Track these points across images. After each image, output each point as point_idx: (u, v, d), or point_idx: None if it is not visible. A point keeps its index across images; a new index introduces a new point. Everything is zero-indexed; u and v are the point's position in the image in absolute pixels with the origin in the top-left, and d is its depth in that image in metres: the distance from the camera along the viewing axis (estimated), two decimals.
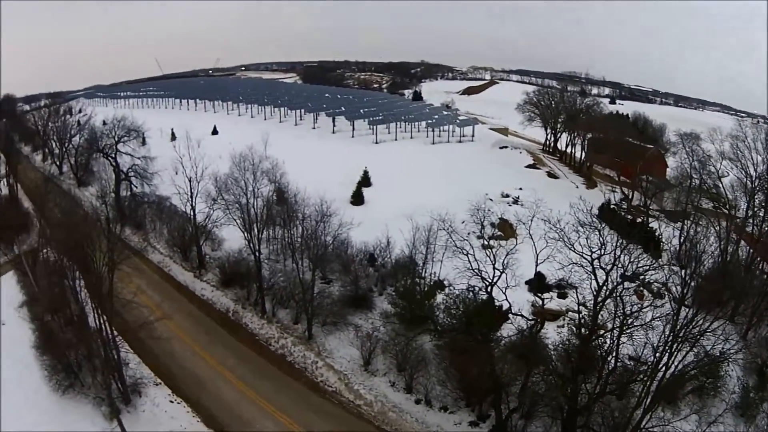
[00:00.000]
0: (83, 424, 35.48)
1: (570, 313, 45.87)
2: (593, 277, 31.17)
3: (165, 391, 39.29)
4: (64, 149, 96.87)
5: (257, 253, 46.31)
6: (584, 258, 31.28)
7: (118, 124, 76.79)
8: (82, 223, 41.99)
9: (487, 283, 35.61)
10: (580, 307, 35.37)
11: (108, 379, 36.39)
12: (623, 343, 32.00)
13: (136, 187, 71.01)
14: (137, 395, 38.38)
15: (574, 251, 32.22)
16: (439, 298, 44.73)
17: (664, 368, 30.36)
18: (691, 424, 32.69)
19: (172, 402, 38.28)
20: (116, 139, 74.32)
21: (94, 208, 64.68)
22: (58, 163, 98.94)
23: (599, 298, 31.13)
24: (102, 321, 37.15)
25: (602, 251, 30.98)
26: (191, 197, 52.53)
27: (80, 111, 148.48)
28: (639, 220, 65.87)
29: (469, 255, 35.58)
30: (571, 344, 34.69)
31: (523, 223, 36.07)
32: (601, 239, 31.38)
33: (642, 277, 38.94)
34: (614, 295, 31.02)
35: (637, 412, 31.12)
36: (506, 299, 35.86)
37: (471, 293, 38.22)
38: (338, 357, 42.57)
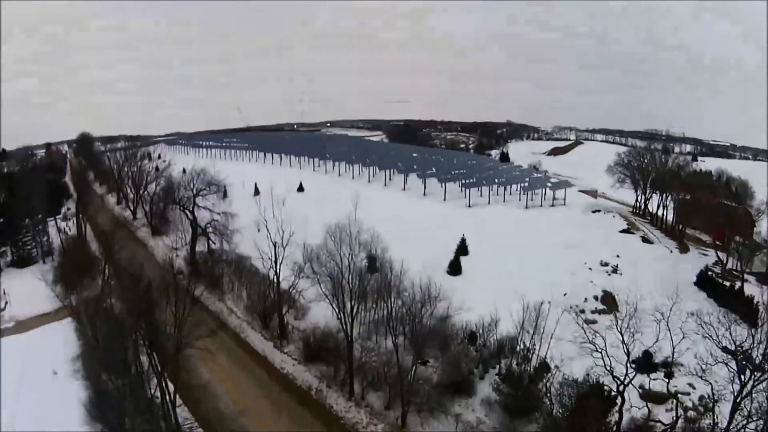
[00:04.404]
0: None
1: (680, 395, 41.30)
2: (736, 374, 27.94)
3: None
4: (139, 195, 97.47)
5: (349, 331, 42.26)
6: (728, 353, 28.62)
7: (197, 176, 75.01)
8: (155, 289, 39.68)
9: (619, 383, 32.15)
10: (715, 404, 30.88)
11: None
12: None
13: (215, 244, 68.59)
14: None
15: (719, 347, 29.53)
16: (552, 387, 39.89)
17: None
18: None
19: None
20: (194, 192, 72.84)
21: (168, 266, 62.43)
22: (132, 208, 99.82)
23: (743, 393, 27.89)
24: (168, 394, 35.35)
25: (752, 344, 28.10)
26: (275, 263, 49.13)
27: (159, 156, 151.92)
28: (734, 285, 61.37)
29: (602, 351, 31.57)
30: None
31: (663, 315, 32.05)
32: (752, 333, 29.13)
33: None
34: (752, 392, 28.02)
35: None
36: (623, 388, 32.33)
37: (588, 384, 34.50)
38: None
